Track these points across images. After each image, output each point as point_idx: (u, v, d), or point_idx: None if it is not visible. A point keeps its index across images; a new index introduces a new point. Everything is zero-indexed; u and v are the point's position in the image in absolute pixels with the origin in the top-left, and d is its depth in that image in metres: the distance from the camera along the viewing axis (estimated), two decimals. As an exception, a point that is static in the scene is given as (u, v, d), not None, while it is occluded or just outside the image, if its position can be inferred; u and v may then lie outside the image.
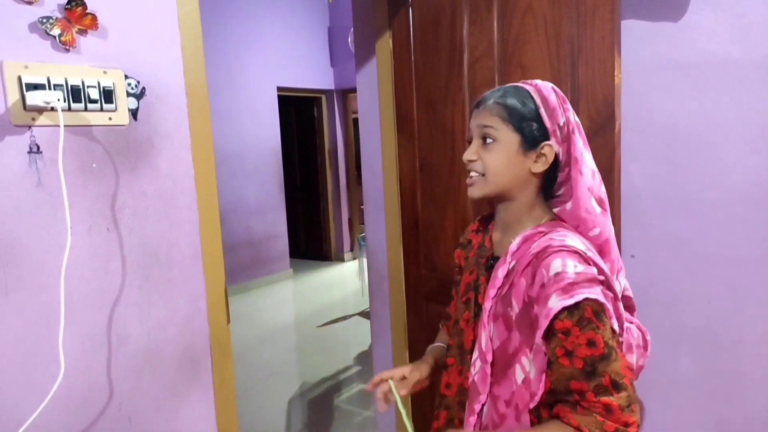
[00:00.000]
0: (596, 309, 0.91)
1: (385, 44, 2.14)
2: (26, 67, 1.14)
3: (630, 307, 1.10)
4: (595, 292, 0.92)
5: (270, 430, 3.03)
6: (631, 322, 1.07)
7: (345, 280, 6.38)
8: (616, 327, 0.94)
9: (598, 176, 1.03)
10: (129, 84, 1.31)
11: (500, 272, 1.03)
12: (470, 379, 1.05)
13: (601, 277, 0.95)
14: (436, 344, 1.31)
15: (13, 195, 1.14)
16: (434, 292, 2.13)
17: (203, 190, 1.47)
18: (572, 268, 0.92)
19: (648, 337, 1.08)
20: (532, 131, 1.00)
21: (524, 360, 0.98)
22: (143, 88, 1.34)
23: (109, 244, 1.29)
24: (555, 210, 1.06)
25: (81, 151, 1.24)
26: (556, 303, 0.91)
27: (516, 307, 0.99)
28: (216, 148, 5.96)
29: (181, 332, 1.44)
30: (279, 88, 6.26)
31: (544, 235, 1.00)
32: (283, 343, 4.50)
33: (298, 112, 7.16)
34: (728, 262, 1.46)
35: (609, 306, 0.93)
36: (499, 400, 1.01)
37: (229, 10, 5.65)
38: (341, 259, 7.20)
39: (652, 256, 1.58)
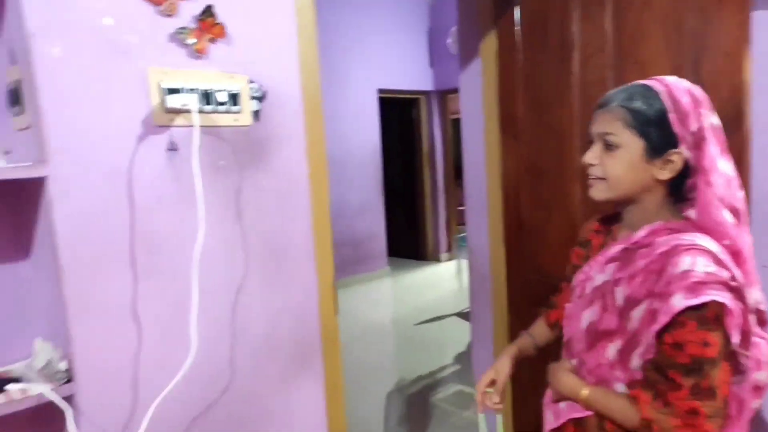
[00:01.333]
0: (720, 314, 0.87)
1: (490, 44, 2.13)
2: (166, 73, 1.27)
3: (762, 321, 1.02)
4: (724, 297, 0.87)
5: (369, 423, 3.11)
6: (762, 338, 0.99)
7: (441, 279, 6.38)
8: (735, 339, 0.89)
9: (735, 184, 0.95)
10: (252, 88, 1.41)
11: (614, 248, 1.02)
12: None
13: (734, 283, 0.89)
14: (525, 335, 1.32)
15: (156, 189, 1.28)
16: (540, 297, 2.07)
17: (316, 187, 1.55)
18: (702, 266, 0.88)
19: None
20: (658, 137, 0.94)
21: (615, 342, 0.99)
22: (264, 92, 1.43)
23: (234, 237, 1.40)
24: (684, 214, 1.00)
25: (211, 149, 1.35)
26: (681, 302, 0.87)
27: (621, 297, 0.98)
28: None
29: (295, 321, 1.53)
30: (380, 90, 6.39)
31: (672, 233, 0.95)
32: (380, 339, 4.58)
33: (398, 113, 7.25)
34: None
35: (736, 314, 0.88)
36: (585, 365, 1.06)
37: (333, 13, 5.85)
38: (438, 260, 7.20)
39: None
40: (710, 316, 0.86)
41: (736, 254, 0.94)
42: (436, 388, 3.53)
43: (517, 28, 2.02)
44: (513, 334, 2.21)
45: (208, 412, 1.39)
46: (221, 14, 1.34)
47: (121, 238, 1.24)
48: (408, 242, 7.44)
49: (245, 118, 1.40)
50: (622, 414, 0.97)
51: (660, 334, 0.91)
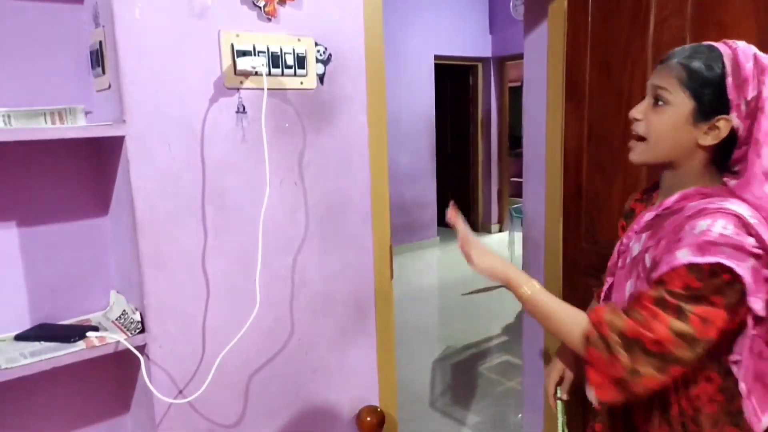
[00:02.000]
0: (729, 281, 0.83)
1: (560, 6, 2.05)
2: (237, 35, 1.30)
3: None
4: (734, 262, 0.82)
5: (416, 386, 3.18)
6: None
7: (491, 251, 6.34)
8: (756, 306, 0.85)
9: None
10: (318, 51, 1.42)
11: (647, 215, 1.01)
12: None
13: (756, 250, 0.84)
14: None
15: (225, 149, 1.32)
16: (594, 267, 2.05)
17: (376, 151, 1.57)
18: (719, 228, 0.85)
19: None
20: (710, 100, 0.91)
21: None
22: (330, 55, 1.45)
23: (296, 197, 1.44)
24: (727, 183, 0.97)
25: (277, 111, 1.38)
26: (685, 257, 0.85)
27: (648, 262, 0.96)
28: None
29: (351, 282, 1.57)
30: (437, 57, 6.30)
31: (705, 197, 0.92)
32: (428, 307, 4.64)
33: (454, 80, 7.14)
34: None
35: (748, 281, 0.84)
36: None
37: (392, -21, 5.75)
38: (488, 230, 7.15)
39: None
40: (706, 269, 0.83)
41: None
42: (483, 357, 3.56)
43: (589, -12, 1.94)
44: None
45: (270, 363, 1.46)
46: (290, -24, 1.35)
47: (193, 195, 1.30)
48: (460, 211, 7.40)
49: (310, 81, 1.42)
50: (568, 320, 0.98)
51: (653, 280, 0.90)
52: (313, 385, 1.54)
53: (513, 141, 7.11)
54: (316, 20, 1.41)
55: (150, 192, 1.24)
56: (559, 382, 1.33)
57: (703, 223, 0.87)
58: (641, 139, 0.99)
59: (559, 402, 1.32)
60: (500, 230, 7.12)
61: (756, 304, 0.86)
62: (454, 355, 3.60)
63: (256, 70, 1.29)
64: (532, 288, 1.04)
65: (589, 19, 1.95)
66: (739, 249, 0.84)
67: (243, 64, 1.28)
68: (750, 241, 0.85)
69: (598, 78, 1.96)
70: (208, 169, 1.30)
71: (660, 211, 1.00)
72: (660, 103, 0.95)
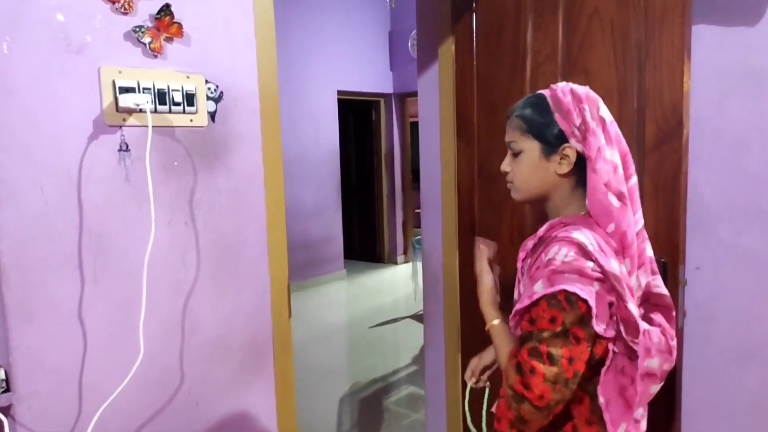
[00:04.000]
0: (571, 299, 0.94)
1: (448, 49, 2.17)
2: (120, 72, 1.25)
3: (663, 306, 1.10)
4: (577, 288, 0.94)
5: (321, 426, 3.10)
6: (654, 325, 1.06)
7: (397, 282, 6.42)
8: (598, 326, 0.95)
9: (620, 171, 1.04)
10: (209, 88, 1.40)
11: (528, 243, 1.14)
12: None
13: (596, 274, 0.96)
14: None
15: (105, 189, 1.25)
16: (490, 297, 2.14)
17: (272, 189, 1.55)
18: (562, 256, 0.96)
19: (673, 343, 1.06)
20: (550, 136, 1.05)
21: None
22: (221, 92, 1.42)
23: (186, 238, 1.38)
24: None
25: (165, 149, 1.33)
26: (540, 289, 0.96)
27: (523, 287, 1.09)
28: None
29: (248, 324, 1.52)
30: (339, 92, 6.39)
31: (564, 227, 1.04)
32: (335, 342, 4.58)
33: (357, 115, 7.27)
34: (803, 278, 1.40)
35: (591, 305, 0.94)
36: None
37: (293, 13, 5.81)
38: (394, 262, 7.25)
39: (720, 269, 1.53)
40: (561, 299, 0.94)
41: (622, 237, 1.02)
42: (390, 390, 3.56)
43: (474, 34, 2.07)
44: (464, 336, 2.26)
45: (156, 418, 1.36)
46: (179, 13, 1.32)
47: (69, 240, 1.20)
48: (364, 245, 7.46)
49: (201, 119, 1.39)
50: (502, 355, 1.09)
51: (523, 315, 1.01)
52: (206, 436, 1.45)
53: (416, 174, 7.33)
54: (206, 57, 1.39)
55: (17, 238, 1.14)
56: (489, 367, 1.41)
57: (551, 252, 0.98)
58: (513, 182, 1.13)
59: (486, 388, 1.42)
60: (405, 261, 7.24)
61: (599, 327, 0.96)
62: (361, 390, 3.57)
63: (140, 107, 1.24)
64: (490, 325, 1.14)
65: (475, 62, 2.08)
66: (581, 274, 0.94)
67: (126, 101, 1.22)
68: (590, 265, 0.95)
69: (485, 117, 2.08)
70: (86, 212, 1.22)
71: (536, 240, 1.11)
72: (516, 153, 1.10)
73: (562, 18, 1.75)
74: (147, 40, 1.28)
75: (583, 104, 1.04)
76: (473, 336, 2.22)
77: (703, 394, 1.58)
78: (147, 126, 1.25)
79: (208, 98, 1.40)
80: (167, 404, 1.38)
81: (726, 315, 1.52)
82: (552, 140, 1.05)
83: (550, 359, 0.93)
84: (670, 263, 1.49)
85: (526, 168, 1.08)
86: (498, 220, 2.06)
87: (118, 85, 1.23)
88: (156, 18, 1.29)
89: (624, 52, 1.59)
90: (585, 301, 0.94)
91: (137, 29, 1.26)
